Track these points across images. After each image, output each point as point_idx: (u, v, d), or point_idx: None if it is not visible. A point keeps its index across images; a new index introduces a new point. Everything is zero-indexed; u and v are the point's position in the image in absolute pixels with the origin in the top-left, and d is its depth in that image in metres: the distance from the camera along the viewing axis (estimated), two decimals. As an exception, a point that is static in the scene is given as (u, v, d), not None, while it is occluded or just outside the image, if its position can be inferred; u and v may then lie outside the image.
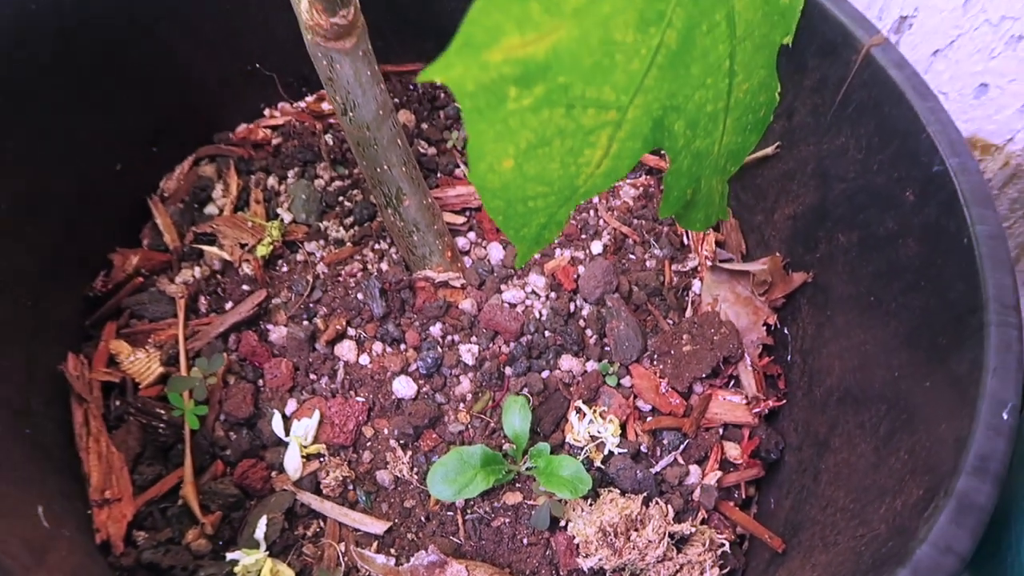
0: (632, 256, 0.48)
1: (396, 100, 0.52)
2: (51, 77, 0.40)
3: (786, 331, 0.46)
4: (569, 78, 0.23)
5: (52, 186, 0.41)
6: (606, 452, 0.40)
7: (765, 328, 0.45)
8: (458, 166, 0.50)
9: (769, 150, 0.46)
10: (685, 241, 0.49)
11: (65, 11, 0.40)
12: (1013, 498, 0.30)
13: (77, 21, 0.40)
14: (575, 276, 0.46)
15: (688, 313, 0.46)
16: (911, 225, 0.36)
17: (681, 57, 0.26)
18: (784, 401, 0.44)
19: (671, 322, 0.45)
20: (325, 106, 0.51)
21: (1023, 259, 0.50)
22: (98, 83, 0.42)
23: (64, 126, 0.41)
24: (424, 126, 0.52)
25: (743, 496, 0.42)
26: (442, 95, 0.53)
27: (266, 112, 0.52)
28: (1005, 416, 0.27)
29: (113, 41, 0.42)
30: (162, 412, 0.39)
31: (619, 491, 0.39)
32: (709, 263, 0.47)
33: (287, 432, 0.40)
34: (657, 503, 0.38)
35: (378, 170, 0.42)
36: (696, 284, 0.47)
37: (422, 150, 0.50)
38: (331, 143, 0.50)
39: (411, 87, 0.53)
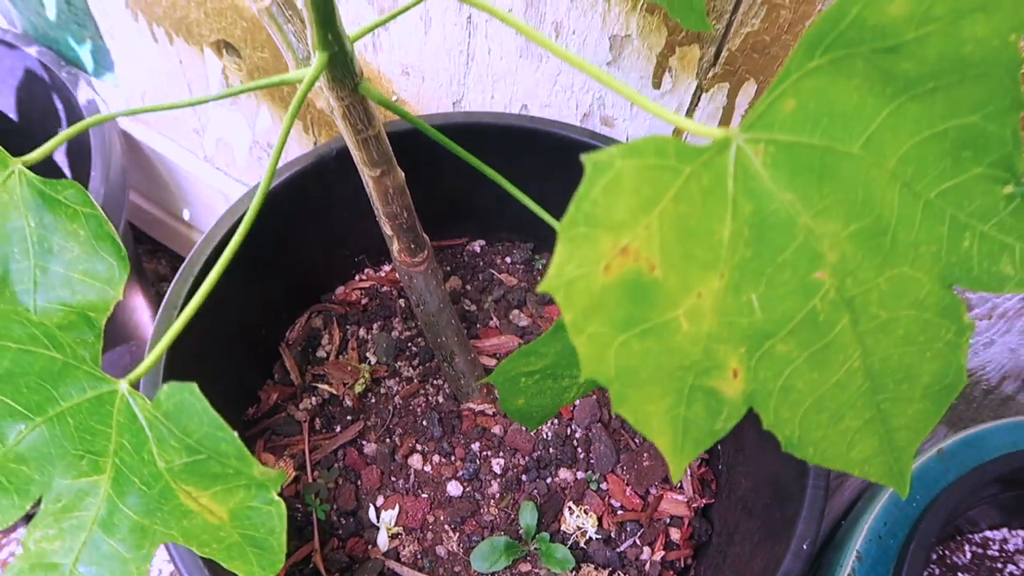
0: (613, 390, 0.67)
1: (447, 268, 0.73)
2: (228, 275, 0.61)
3: (719, 447, 0.66)
4: (553, 370, 0.44)
5: (230, 345, 0.62)
6: (587, 538, 0.60)
7: (703, 446, 0.65)
8: (491, 318, 0.71)
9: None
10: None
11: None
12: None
13: (246, 240, 0.61)
14: (572, 408, 0.66)
15: (650, 434, 0.66)
16: (784, 402, 0.55)
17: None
18: (713, 500, 0.64)
19: (637, 442, 0.65)
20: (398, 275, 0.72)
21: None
22: (255, 275, 0.63)
23: (237, 306, 0.62)
24: (468, 287, 0.72)
25: (682, 566, 0.62)
26: (480, 263, 0.74)
27: (357, 277, 0.72)
28: (805, 547, 0.46)
29: (265, 247, 0.63)
30: (299, 506, 0.60)
31: (594, 566, 0.59)
32: (666, 398, 0.67)
33: (378, 519, 0.61)
34: (618, 574, 0.59)
35: (438, 340, 0.63)
36: (657, 412, 0.67)
37: (466, 307, 0.71)
38: (403, 305, 0.70)
39: (459, 257, 0.74)
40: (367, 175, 0.50)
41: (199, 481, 0.29)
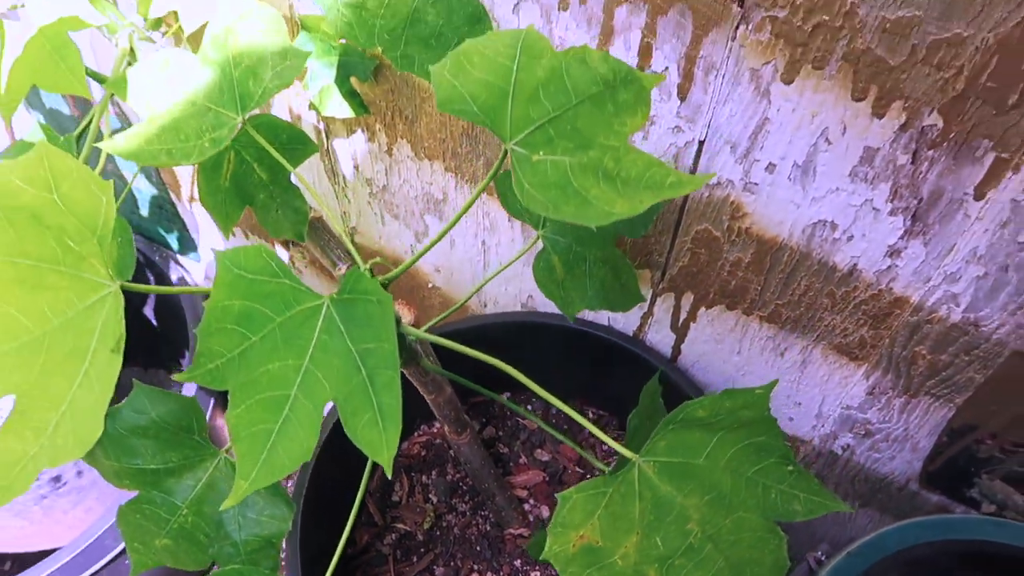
0: (618, 507, 0.88)
1: (483, 419, 0.94)
2: (330, 454, 0.83)
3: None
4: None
5: (332, 500, 0.84)
6: (606, 628, 0.81)
7: None
8: (520, 457, 0.92)
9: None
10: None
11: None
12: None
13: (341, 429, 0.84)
14: (587, 526, 0.87)
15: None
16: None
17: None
18: (701, 589, 0.84)
19: (639, 548, 0.86)
20: (447, 429, 0.93)
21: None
22: (345, 448, 0.85)
23: (337, 471, 0.85)
24: (500, 433, 0.94)
25: (681, 642, 0.82)
26: (508, 412, 0.95)
27: (415, 433, 0.94)
28: (751, 636, 0.66)
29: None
30: (393, 622, 0.81)
31: (613, 650, 0.79)
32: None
33: (451, 626, 0.82)
34: (632, 655, 0.79)
35: (483, 486, 0.84)
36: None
37: (500, 450, 0.93)
38: (452, 454, 0.92)
39: (491, 408, 0.95)
40: (424, 395, 0.72)
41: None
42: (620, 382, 0.90)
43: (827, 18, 0.49)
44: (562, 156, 0.40)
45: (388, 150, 0.83)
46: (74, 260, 0.39)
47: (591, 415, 0.95)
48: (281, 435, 0.38)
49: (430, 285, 1.00)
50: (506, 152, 0.41)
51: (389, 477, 0.36)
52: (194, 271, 1.35)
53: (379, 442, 0.37)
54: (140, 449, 0.55)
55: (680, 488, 0.45)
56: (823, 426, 0.81)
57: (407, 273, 1.00)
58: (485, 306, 0.97)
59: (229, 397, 0.40)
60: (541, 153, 0.40)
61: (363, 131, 0.83)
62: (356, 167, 0.88)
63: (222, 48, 0.55)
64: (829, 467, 0.86)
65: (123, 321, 0.37)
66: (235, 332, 0.40)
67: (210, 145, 0.55)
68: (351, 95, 0.77)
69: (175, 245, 1.34)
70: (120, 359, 0.36)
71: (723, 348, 0.79)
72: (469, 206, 0.43)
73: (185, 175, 1.14)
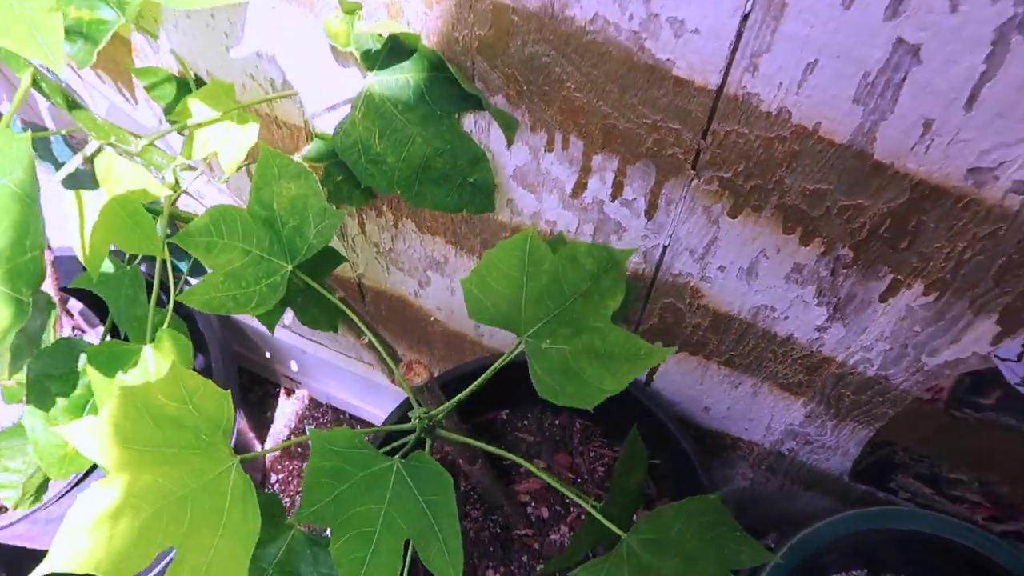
0: (605, 505, 1.06)
1: (487, 437, 1.10)
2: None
3: None
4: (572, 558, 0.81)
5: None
6: (601, 608, 0.99)
7: None
8: (521, 467, 1.08)
9: (658, 461, 1.03)
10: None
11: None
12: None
13: (363, 460, 0.99)
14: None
15: None
16: (704, 521, 0.93)
17: None
18: None
19: (624, 539, 1.03)
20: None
21: (787, 478, 1.07)
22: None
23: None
24: (503, 447, 1.10)
25: (661, 613, 1.01)
26: (508, 428, 1.11)
27: (426, 447, 1.10)
28: (716, 619, 0.85)
29: (374, 458, 1.01)
30: (427, 616, 0.99)
31: (607, 626, 0.98)
32: None
33: (474, 614, 1.00)
34: (622, 628, 0.98)
35: (493, 499, 1.01)
36: None
37: (504, 462, 1.09)
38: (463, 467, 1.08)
39: (492, 426, 1.11)
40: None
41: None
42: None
43: (761, 182, 0.62)
44: (563, 344, 0.53)
45: (394, 224, 0.94)
46: (205, 446, 0.52)
47: (578, 424, 1.11)
48: (372, 562, 0.53)
49: (432, 319, 1.13)
50: (520, 342, 0.54)
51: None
52: (205, 292, 1.46)
53: (447, 569, 0.52)
54: (233, 532, 0.70)
55: (657, 555, 0.61)
56: (772, 435, 0.98)
57: (410, 308, 1.13)
58: (482, 336, 1.11)
59: (331, 533, 0.54)
60: (548, 342, 0.54)
61: (371, 209, 0.94)
62: (364, 233, 1.00)
63: (268, 207, 0.67)
64: (779, 462, 1.03)
65: (258, 510, 0.51)
66: (328, 483, 0.54)
67: (268, 291, 0.67)
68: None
69: (185, 269, 1.45)
70: (256, 535, 0.50)
71: (688, 379, 0.95)
72: (486, 373, 0.57)
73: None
